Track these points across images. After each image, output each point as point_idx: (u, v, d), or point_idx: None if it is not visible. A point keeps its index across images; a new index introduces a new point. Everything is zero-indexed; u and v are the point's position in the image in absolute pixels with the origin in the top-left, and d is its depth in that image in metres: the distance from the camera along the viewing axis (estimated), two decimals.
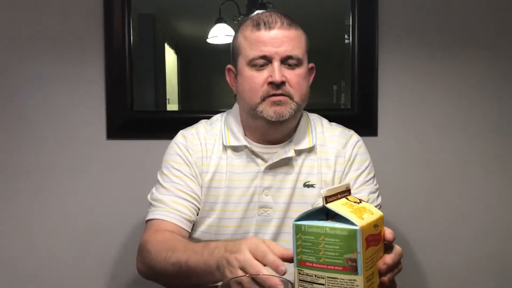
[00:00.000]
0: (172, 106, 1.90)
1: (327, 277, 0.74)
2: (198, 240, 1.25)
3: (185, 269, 1.00)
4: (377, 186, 1.31)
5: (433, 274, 1.83)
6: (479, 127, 1.80)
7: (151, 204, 1.26)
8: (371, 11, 1.75)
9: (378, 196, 1.30)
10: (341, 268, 0.73)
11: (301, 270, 0.76)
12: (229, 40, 1.29)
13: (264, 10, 1.25)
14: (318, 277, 0.75)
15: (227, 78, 1.31)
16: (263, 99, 1.19)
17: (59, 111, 1.79)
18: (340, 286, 0.73)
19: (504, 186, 1.82)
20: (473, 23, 1.78)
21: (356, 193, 1.25)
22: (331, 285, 0.74)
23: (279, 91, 1.18)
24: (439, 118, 1.80)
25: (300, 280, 0.76)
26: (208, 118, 1.38)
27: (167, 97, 1.89)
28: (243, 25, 1.25)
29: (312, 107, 1.41)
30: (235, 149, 1.27)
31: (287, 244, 0.84)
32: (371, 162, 1.33)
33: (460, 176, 1.82)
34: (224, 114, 1.36)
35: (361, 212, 0.77)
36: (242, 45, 1.22)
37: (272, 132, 1.25)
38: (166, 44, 1.92)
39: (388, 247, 0.82)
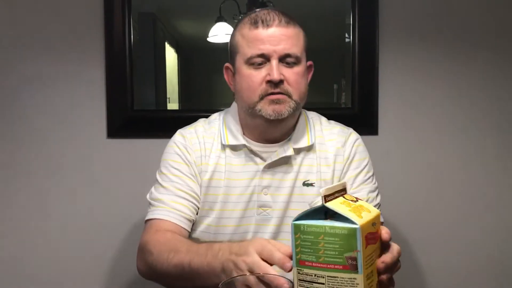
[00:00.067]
0: (173, 105, 1.90)
1: (327, 276, 0.74)
2: (197, 240, 1.25)
3: (188, 271, 0.99)
4: (376, 184, 1.31)
5: (433, 274, 1.83)
6: (479, 126, 1.80)
7: (150, 203, 1.25)
8: (371, 10, 1.75)
9: (377, 195, 1.29)
10: (341, 267, 0.73)
11: (301, 269, 0.76)
12: (229, 39, 1.28)
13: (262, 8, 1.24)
14: (318, 276, 0.74)
15: (225, 77, 1.30)
16: (262, 98, 1.18)
17: (60, 110, 1.79)
18: (341, 285, 0.73)
19: (504, 185, 1.82)
20: (473, 22, 1.78)
21: (355, 192, 1.25)
22: (331, 284, 0.74)
23: (277, 90, 1.17)
24: (439, 117, 1.80)
25: (299, 279, 0.76)
26: (208, 117, 1.37)
27: (168, 96, 1.89)
28: (240, 23, 1.24)
29: (313, 106, 1.41)
30: (234, 148, 1.26)
31: (286, 243, 0.84)
32: (370, 160, 1.33)
33: (460, 176, 1.82)
34: (223, 113, 1.35)
35: (360, 210, 0.77)
36: (240, 43, 1.21)
37: (270, 130, 1.24)
38: (166, 43, 1.92)
39: (386, 246, 0.81)
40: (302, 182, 1.26)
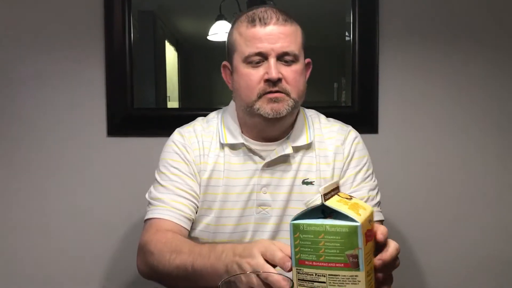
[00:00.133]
0: (173, 103, 1.90)
1: (328, 275, 0.74)
2: (196, 239, 1.24)
3: (191, 272, 0.99)
4: (376, 182, 1.31)
5: (433, 274, 1.83)
6: (480, 124, 1.80)
7: (149, 203, 1.25)
8: (371, 8, 1.75)
9: (377, 193, 1.29)
10: (342, 264, 0.73)
11: (300, 269, 0.76)
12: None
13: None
14: (318, 275, 0.75)
15: (223, 75, 1.30)
16: (260, 97, 1.17)
17: (60, 108, 1.79)
18: (342, 283, 0.73)
19: (504, 184, 1.81)
20: (473, 21, 1.77)
21: (355, 190, 1.25)
22: (333, 282, 0.74)
23: (275, 88, 1.16)
24: (439, 115, 1.80)
25: (299, 279, 0.76)
26: (206, 115, 1.37)
27: (168, 94, 1.89)
28: (238, 21, 1.23)
29: (313, 105, 1.41)
30: (233, 147, 1.26)
31: (286, 242, 0.83)
32: (370, 158, 1.32)
33: (461, 174, 1.81)
34: (221, 111, 1.35)
35: (357, 208, 0.77)
36: (237, 42, 1.20)
37: (269, 129, 1.24)
38: (166, 41, 1.92)
39: (383, 244, 0.81)
40: (301, 181, 1.25)
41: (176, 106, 1.91)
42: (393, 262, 0.82)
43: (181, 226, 1.19)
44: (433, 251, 1.82)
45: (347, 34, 1.80)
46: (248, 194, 1.24)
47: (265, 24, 1.17)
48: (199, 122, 1.33)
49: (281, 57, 1.17)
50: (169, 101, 1.89)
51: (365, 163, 1.30)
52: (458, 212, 1.81)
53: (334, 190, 0.81)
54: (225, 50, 1.28)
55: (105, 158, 1.80)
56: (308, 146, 1.27)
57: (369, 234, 0.77)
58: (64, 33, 1.77)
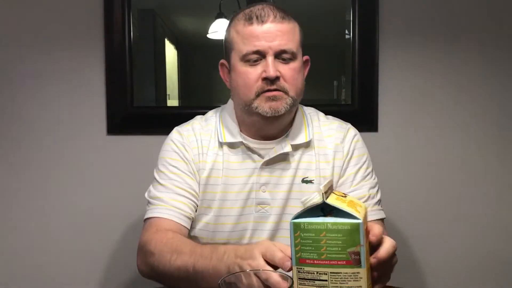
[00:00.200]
0: (173, 101, 1.90)
1: (330, 273, 0.74)
2: (195, 238, 1.24)
3: (192, 274, 0.98)
4: (376, 180, 1.30)
5: (433, 273, 1.83)
6: (480, 123, 1.80)
7: (149, 202, 1.24)
8: (371, 6, 1.75)
9: (377, 190, 1.29)
10: (344, 262, 0.73)
11: (301, 268, 0.76)
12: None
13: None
14: (320, 273, 0.75)
15: (221, 73, 1.29)
16: (258, 95, 1.17)
17: (60, 107, 1.79)
18: (344, 280, 0.74)
19: (504, 183, 1.81)
20: (474, 19, 1.77)
21: (356, 189, 1.25)
22: (335, 280, 0.74)
23: (273, 87, 1.16)
24: (439, 113, 1.80)
25: (300, 278, 0.76)
26: (205, 114, 1.37)
27: (168, 92, 1.89)
28: (235, 18, 1.22)
29: (312, 103, 1.41)
30: (231, 145, 1.26)
31: (286, 241, 0.83)
32: (369, 156, 1.32)
33: (461, 173, 1.81)
34: (219, 109, 1.35)
35: (354, 205, 0.78)
36: (234, 40, 1.20)
37: (267, 127, 1.23)
38: (166, 40, 1.92)
39: (379, 241, 0.81)
40: (301, 179, 1.25)
41: (176, 104, 1.91)
42: (389, 260, 0.82)
43: (181, 225, 1.19)
44: (433, 249, 1.82)
45: (347, 32, 1.80)
46: (247, 193, 1.24)
47: (263, 22, 1.16)
48: (197, 120, 1.33)
49: (279, 55, 1.17)
50: (169, 99, 1.89)
51: (365, 161, 1.30)
52: (458, 211, 1.81)
53: (330, 189, 0.81)
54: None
55: (105, 156, 1.80)
56: (307, 144, 1.27)
57: (367, 230, 0.77)
58: (63, 32, 1.77)
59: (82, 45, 1.77)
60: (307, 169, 1.26)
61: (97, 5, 1.75)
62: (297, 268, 0.76)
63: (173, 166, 1.24)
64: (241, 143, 1.25)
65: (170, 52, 1.92)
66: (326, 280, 0.74)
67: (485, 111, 1.79)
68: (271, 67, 1.15)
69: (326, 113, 1.39)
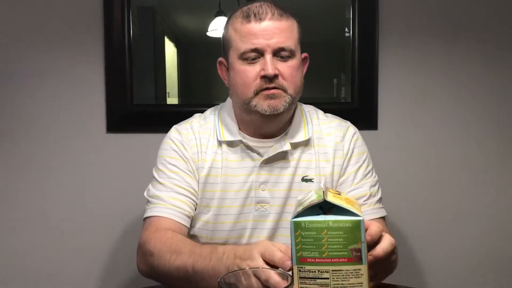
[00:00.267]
0: (172, 99, 1.90)
1: (332, 270, 0.74)
2: (195, 237, 1.24)
3: (191, 274, 0.98)
4: (376, 178, 1.30)
5: (433, 273, 1.83)
6: (480, 121, 1.80)
7: (148, 201, 1.24)
8: (371, 4, 1.74)
9: (378, 188, 1.29)
10: (346, 259, 0.74)
11: (302, 267, 0.76)
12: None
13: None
14: (321, 271, 0.75)
15: (219, 71, 1.29)
16: (256, 93, 1.16)
17: (59, 104, 1.78)
18: (345, 277, 0.74)
19: (504, 181, 1.81)
20: (474, 17, 1.77)
21: (357, 187, 1.25)
22: (336, 278, 0.74)
23: (272, 85, 1.15)
24: (439, 111, 1.80)
25: (301, 277, 0.76)
26: (203, 112, 1.36)
27: (167, 90, 1.89)
28: (233, 16, 1.22)
29: (312, 101, 1.41)
30: (230, 144, 1.25)
31: (285, 239, 0.83)
32: (369, 154, 1.32)
33: (461, 171, 1.81)
34: (218, 108, 1.34)
35: (351, 203, 0.79)
36: (232, 38, 1.19)
37: (266, 126, 1.23)
38: (166, 38, 1.91)
39: (378, 239, 0.82)
40: (301, 178, 1.25)
41: (176, 102, 1.91)
42: (387, 258, 0.82)
43: (181, 223, 1.18)
44: (433, 248, 1.82)
45: (346, 30, 1.79)
46: (246, 192, 1.23)
47: (260, 19, 1.16)
48: (196, 119, 1.33)
49: (277, 53, 1.16)
50: (168, 97, 1.89)
51: (365, 159, 1.29)
52: (458, 209, 1.81)
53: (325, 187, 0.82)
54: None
55: (104, 154, 1.80)
56: (307, 143, 1.27)
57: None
58: (63, 30, 1.76)
59: (81, 43, 1.77)
60: (307, 167, 1.25)
61: (96, 2, 1.75)
62: (298, 267, 0.76)
63: (172, 164, 1.24)
64: (240, 141, 1.25)
65: (170, 50, 1.92)
66: (327, 278, 0.74)
67: (485, 109, 1.79)
68: (269, 65, 1.14)
69: (326, 111, 1.39)
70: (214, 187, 1.24)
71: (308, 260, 0.75)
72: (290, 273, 0.77)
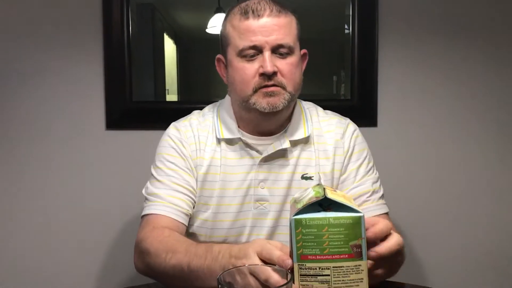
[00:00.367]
0: (172, 96, 1.90)
1: (333, 267, 0.74)
2: (194, 235, 1.24)
3: (187, 273, 0.97)
4: (377, 175, 1.29)
5: (432, 272, 1.83)
6: (479, 118, 1.79)
7: (146, 198, 1.23)
8: (371, 1, 1.74)
9: (380, 185, 1.28)
10: (346, 255, 0.74)
11: (303, 264, 0.75)
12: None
13: None
14: (322, 268, 0.75)
15: (217, 68, 1.28)
16: (255, 91, 1.15)
17: (58, 102, 1.78)
18: (346, 274, 0.74)
19: (504, 180, 1.81)
20: (474, 15, 1.77)
21: (358, 185, 1.24)
22: (337, 274, 0.74)
23: (271, 82, 1.15)
24: (439, 109, 1.79)
25: (301, 275, 0.76)
26: (202, 109, 1.36)
27: (167, 87, 1.89)
28: (231, 13, 1.21)
29: (312, 98, 1.40)
30: (229, 141, 1.25)
31: (285, 237, 0.83)
32: (369, 150, 1.31)
33: (460, 169, 1.81)
34: (216, 105, 1.34)
35: (349, 199, 0.79)
36: (231, 35, 1.18)
37: (265, 123, 1.22)
38: (165, 34, 1.91)
39: (384, 236, 0.82)
40: (300, 176, 1.24)
41: (175, 99, 1.91)
42: (392, 256, 0.82)
43: (179, 221, 1.18)
44: (433, 247, 1.82)
45: (346, 27, 1.79)
46: (245, 189, 1.23)
47: (259, 16, 1.14)
48: (195, 116, 1.32)
49: (276, 50, 1.15)
50: (168, 94, 1.89)
51: (366, 156, 1.29)
52: (458, 208, 1.81)
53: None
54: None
55: (104, 151, 1.80)
56: (306, 140, 1.26)
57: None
58: (62, 26, 1.76)
59: (81, 40, 1.76)
60: (307, 165, 1.25)
61: (95, 0, 1.74)
62: (298, 265, 0.76)
63: (171, 162, 1.23)
64: (239, 139, 1.24)
65: (169, 47, 1.92)
66: (328, 275, 0.74)
67: (484, 107, 1.79)
68: (268, 62, 1.13)
69: (325, 108, 1.38)
70: (213, 185, 1.23)
71: (309, 257, 0.75)
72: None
